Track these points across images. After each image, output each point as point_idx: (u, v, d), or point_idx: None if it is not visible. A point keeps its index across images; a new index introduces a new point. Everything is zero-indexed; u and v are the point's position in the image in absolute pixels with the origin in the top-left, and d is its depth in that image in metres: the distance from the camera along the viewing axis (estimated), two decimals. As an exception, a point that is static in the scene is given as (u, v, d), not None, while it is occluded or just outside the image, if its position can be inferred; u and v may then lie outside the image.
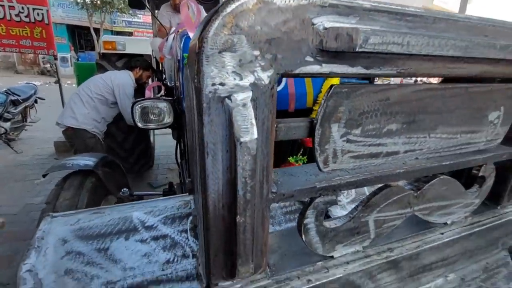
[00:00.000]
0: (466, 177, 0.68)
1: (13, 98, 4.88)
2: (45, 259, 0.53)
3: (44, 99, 6.27)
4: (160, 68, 3.89)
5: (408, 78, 0.84)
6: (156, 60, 4.13)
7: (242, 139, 0.33)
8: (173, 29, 2.06)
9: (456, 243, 0.66)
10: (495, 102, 0.57)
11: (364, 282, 0.54)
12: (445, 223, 0.65)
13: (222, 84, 0.33)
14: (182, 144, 2.24)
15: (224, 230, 0.39)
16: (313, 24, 0.34)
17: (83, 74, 5.29)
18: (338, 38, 0.34)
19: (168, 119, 1.55)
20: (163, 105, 1.53)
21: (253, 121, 0.33)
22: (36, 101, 5.79)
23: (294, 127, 0.43)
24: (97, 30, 16.98)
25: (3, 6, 4.10)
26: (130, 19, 20.13)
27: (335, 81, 1.31)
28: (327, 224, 0.50)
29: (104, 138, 2.82)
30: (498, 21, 0.47)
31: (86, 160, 1.67)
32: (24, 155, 4.51)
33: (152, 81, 3.57)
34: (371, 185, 0.50)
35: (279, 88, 1.44)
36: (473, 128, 0.57)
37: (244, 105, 0.34)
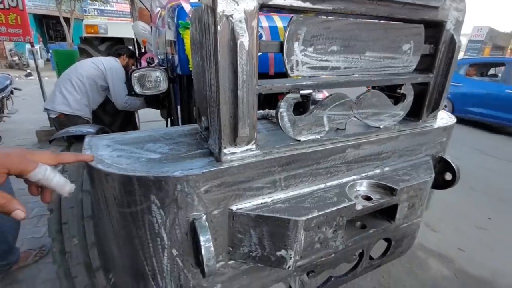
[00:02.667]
0: (392, 96, 0.95)
1: (-12, 89, 4.79)
2: (97, 153, 0.75)
3: (20, 89, 6.13)
4: (143, 50, 3.97)
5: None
6: (138, 43, 4.21)
7: (239, 40, 0.57)
8: (158, 9, 2.22)
9: (388, 142, 0.94)
10: (406, 36, 0.85)
11: (320, 158, 0.81)
12: (379, 127, 0.93)
13: (227, 8, 0.57)
14: (171, 122, 2.43)
15: (230, 103, 0.64)
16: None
17: (62, 61, 5.25)
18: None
19: (164, 85, 1.76)
20: (158, 73, 1.73)
21: (246, 30, 0.58)
22: (12, 92, 5.67)
23: (270, 44, 0.68)
24: (67, 20, 16.22)
25: (-24, -9, 4.00)
26: (102, 7, 19.29)
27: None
28: (296, 116, 0.76)
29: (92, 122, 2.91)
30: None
31: (87, 128, 1.84)
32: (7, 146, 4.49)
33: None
34: (322, 88, 0.76)
35: (260, 53, 1.68)
36: (392, 55, 0.85)
37: (240, 21, 0.58)
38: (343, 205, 0.75)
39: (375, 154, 0.93)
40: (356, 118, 0.87)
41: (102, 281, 1.62)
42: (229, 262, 0.78)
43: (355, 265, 1.14)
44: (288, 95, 0.72)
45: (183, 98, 1.77)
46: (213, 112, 0.67)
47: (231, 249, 0.76)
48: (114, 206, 0.67)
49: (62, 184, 0.58)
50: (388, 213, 0.93)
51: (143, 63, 2.21)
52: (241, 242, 0.74)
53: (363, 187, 0.88)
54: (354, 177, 0.90)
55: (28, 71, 13.40)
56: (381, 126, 0.93)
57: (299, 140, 0.79)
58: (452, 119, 1.17)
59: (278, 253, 0.73)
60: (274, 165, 0.73)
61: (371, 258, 1.18)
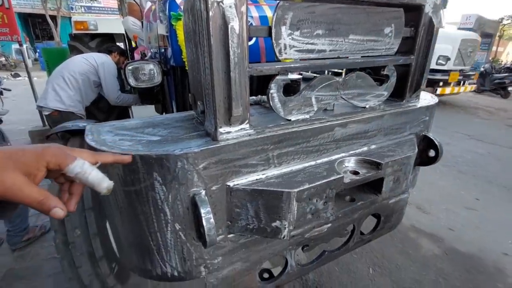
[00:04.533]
0: (376, 78, 1.01)
1: (-23, 90, 4.73)
2: (100, 138, 0.80)
3: (10, 90, 6.04)
4: (134, 45, 3.95)
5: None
6: (129, 38, 4.19)
7: (230, 24, 0.62)
8: (148, 3, 2.23)
9: (373, 121, 1.00)
10: (387, 20, 0.90)
11: (310, 137, 0.87)
12: (364, 107, 0.99)
13: (217, -6, 0.61)
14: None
15: (223, 85, 0.68)
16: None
17: (52, 59, 5.19)
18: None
19: (158, 78, 1.79)
20: (152, 66, 1.76)
21: (236, 15, 0.62)
22: (1, 93, 5.59)
23: (259, 29, 0.73)
24: (53, 18, 15.86)
25: (-40, -10, 3.93)
26: (89, 4, 18.92)
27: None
28: (286, 97, 0.81)
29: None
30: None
31: (84, 123, 1.87)
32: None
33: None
34: (310, 70, 0.82)
35: (250, 43, 1.72)
36: (374, 38, 0.90)
37: (230, 6, 0.62)
38: (332, 178, 0.81)
39: (361, 133, 0.99)
40: (343, 98, 0.93)
41: (106, 270, 1.68)
42: (229, 236, 0.84)
43: (347, 240, 1.21)
44: (277, 77, 0.77)
45: (177, 90, 1.81)
46: (208, 94, 0.72)
47: (229, 223, 0.82)
48: (119, 186, 0.72)
49: (100, 179, 0.54)
50: (375, 187, 1.00)
51: (136, 56, 2.24)
52: (238, 216, 0.80)
53: (351, 163, 0.95)
54: (343, 154, 0.97)
55: (15, 72, 13.14)
56: (367, 106, 0.99)
57: (290, 120, 0.84)
58: (434, 99, 1.24)
59: (273, 224, 0.79)
60: (267, 143, 0.79)
61: (362, 233, 1.26)
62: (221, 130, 0.73)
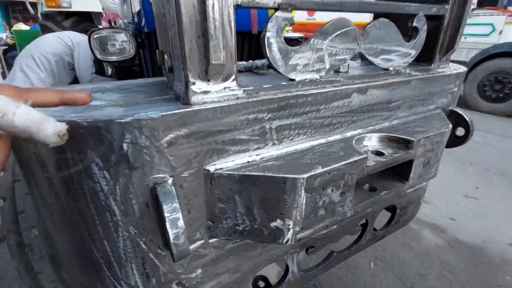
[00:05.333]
0: (403, 29, 0.78)
1: None
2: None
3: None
4: (112, 24, 3.61)
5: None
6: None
7: None
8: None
9: (398, 88, 0.78)
10: None
11: (321, 104, 0.63)
12: (388, 70, 0.76)
13: None
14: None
15: (196, 15, 0.44)
16: None
17: (25, 41, 4.74)
18: None
19: (131, 51, 1.51)
20: (123, 35, 1.48)
21: None
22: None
23: None
24: (34, 5, 14.93)
25: None
26: (71, -11, 17.94)
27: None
28: (289, 46, 0.57)
29: None
30: None
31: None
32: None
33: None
34: (321, 10, 0.58)
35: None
36: (405, -28, 0.67)
37: None
38: (352, 159, 0.58)
39: (383, 103, 0.77)
40: (362, 56, 0.69)
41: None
42: (210, 241, 0.61)
43: (358, 237, 1.00)
44: (277, 13, 0.53)
45: (154, 64, 1.54)
46: (175, 35, 0.47)
47: (211, 223, 0.58)
48: (38, 171, 0.48)
49: (37, 122, 0.34)
50: (399, 172, 0.78)
51: (104, 24, 1.93)
52: (223, 214, 0.57)
53: (372, 142, 0.72)
54: (360, 131, 0.74)
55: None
56: (391, 68, 0.76)
57: (293, 80, 0.60)
58: (462, 67, 1.02)
59: (273, 224, 0.56)
60: (262, 110, 0.55)
61: (374, 229, 1.05)
62: (194, 88, 0.49)
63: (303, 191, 0.53)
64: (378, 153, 0.69)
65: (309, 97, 0.61)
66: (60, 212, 0.51)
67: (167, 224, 0.44)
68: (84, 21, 3.88)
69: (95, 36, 1.44)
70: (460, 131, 0.98)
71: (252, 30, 1.49)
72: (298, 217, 0.56)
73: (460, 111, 0.97)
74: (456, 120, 0.97)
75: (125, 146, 0.44)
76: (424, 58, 0.86)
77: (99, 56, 1.46)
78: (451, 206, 2.88)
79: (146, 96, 0.58)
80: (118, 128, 0.43)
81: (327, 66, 0.64)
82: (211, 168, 0.53)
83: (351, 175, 0.59)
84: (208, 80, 0.50)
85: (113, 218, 0.49)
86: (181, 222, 0.45)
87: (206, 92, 0.50)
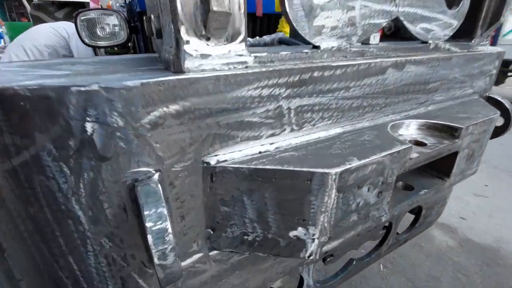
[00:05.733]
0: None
1: None
2: None
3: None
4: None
5: None
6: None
7: None
8: None
9: (437, 65, 0.64)
10: None
11: (350, 80, 0.50)
12: (427, 43, 0.62)
13: None
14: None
15: None
16: None
17: (17, 35, 4.59)
18: None
19: (122, 35, 1.36)
20: (114, 18, 1.33)
21: None
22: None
23: None
24: (30, 0, 14.69)
25: None
26: (67, -17, 17.69)
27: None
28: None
29: None
30: None
31: None
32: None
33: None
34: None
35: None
36: None
37: None
38: (395, 149, 0.45)
39: (420, 83, 0.63)
40: (400, 23, 0.56)
41: None
42: (211, 254, 0.47)
43: (380, 242, 0.87)
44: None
45: (149, 50, 1.40)
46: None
47: (211, 232, 0.45)
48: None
49: None
50: (439, 167, 0.65)
51: (93, 4, 1.78)
52: (228, 220, 0.43)
53: (410, 129, 0.59)
54: (392, 117, 0.61)
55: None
56: (430, 41, 0.62)
57: (318, 48, 0.47)
58: (498, 48, 0.89)
59: (293, 234, 0.42)
60: (279, 84, 0.42)
61: (396, 233, 0.92)
62: (189, 49, 0.35)
63: (334, 190, 0.40)
64: (418, 143, 0.56)
65: (337, 70, 0.47)
66: (9, 220, 0.38)
67: (150, 239, 0.31)
68: (78, 12, 3.73)
69: (82, 18, 1.30)
70: (499, 121, 0.85)
71: (257, 12, 1.35)
72: (326, 225, 0.42)
73: (498, 97, 0.84)
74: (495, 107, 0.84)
75: (88, 127, 0.31)
76: (465, 32, 0.72)
77: (86, 41, 1.31)
78: (461, 205, 2.77)
79: (128, 67, 0.44)
80: (77, 100, 0.29)
81: (359, 32, 0.50)
82: (212, 160, 0.40)
83: (392, 169, 0.46)
84: (208, 39, 0.36)
85: (78, 227, 0.36)
86: (169, 236, 0.31)
87: (205, 56, 0.36)
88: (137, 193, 0.34)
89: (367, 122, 0.56)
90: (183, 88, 0.34)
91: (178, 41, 0.35)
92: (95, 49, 1.88)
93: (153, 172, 0.36)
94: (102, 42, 1.36)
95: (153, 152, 0.35)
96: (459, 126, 0.56)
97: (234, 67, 0.39)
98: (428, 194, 0.61)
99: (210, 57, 0.37)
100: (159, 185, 0.35)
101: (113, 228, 0.38)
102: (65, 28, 2.23)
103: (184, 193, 0.40)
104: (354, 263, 0.81)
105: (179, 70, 0.36)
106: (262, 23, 1.37)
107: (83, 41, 1.33)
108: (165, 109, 0.34)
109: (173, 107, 0.34)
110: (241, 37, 0.38)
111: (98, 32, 1.34)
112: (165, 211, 0.33)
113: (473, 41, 0.73)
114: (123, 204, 0.37)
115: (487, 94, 0.85)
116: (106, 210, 0.36)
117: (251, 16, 1.34)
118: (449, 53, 0.66)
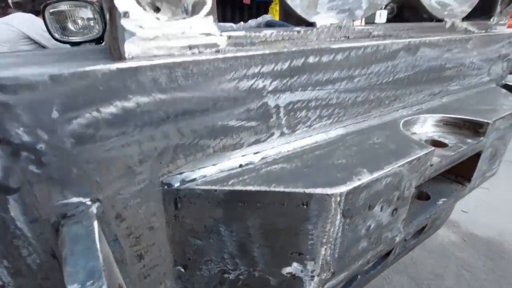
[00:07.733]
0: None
1: None
2: None
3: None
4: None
5: None
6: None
7: None
8: None
9: (453, 49, 0.54)
10: None
11: (352, 66, 0.40)
12: (442, 21, 0.52)
13: None
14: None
15: None
16: None
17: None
18: None
19: (98, 29, 1.24)
20: (87, 10, 1.21)
21: None
22: None
23: None
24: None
25: None
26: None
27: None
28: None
29: None
30: None
31: None
32: None
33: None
34: None
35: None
36: None
37: None
38: (415, 154, 0.35)
39: (435, 70, 0.53)
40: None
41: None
42: (184, 294, 0.37)
43: (386, 253, 0.78)
44: None
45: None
46: None
47: (182, 270, 0.35)
48: None
49: None
50: (458, 169, 0.55)
51: None
52: (201, 256, 0.33)
53: (425, 127, 0.49)
54: (403, 112, 0.51)
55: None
56: (446, 19, 0.52)
57: (314, 25, 0.36)
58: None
59: (286, 271, 0.32)
60: (263, 74, 0.31)
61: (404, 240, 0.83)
62: (129, 25, 0.24)
63: (339, 215, 0.30)
64: (437, 144, 0.46)
65: (338, 54, 0.37)
66: None
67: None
68: None
69: (50, 11, 1.17)
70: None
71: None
72: (328, 258, 0.32)
73: (517, 85, 0.74)
74: (512, 97, 0.74)
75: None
76: (482, 10, 0.62)
77: (56, 36, 1.19)
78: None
79: (63, 58, 0.33)
80: None
81: (365, 6, 0.39)
82: (175, 180, 0.29)
83: (410, 181, 0.36)
84: (157, 9, 0.25)
85: (-16, 284, 0.25)
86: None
87: (154, 35, 0.26)
88: (60, 237, 0.23)
89: (374, 119, 0.46)
90: (123, 82, 0.24)
91: (112, 13, 0.24)
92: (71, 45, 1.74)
93: (89, 203, 0.26)
94: (74, 38, 1.23)
95: (85, 176, 0.25)
96: (485, 121, 0.46)
97: (200, 52, 0.28)
98: (447, 203, 0.51)
99: (162, 36, 0.26)
100: (95, 223, 0.24)
101: (41, 280, 0.27)
102: (18, 21, 2.02)
103: (138, 226, 0.29)
104: (359, 278, 0.72)
105: (118, 57, 0.25)
106: (251, 11, 1.26)
107: (53, 37, 1.20)
108: (94, 113, 0.23)
109: (108, 110, 0.24)
110: (206, 8, 0.28)
111: (70, 27, 1.21)
112: (99, 265, 0.22)
113: (491, 20, 0.63)
114: (49, 249, 0.26)
115: (503, 82, 0.75)
116: (27, 258, 0.26)
117: (237, 3, 1.23)
118: (467, 34, 0.56)
